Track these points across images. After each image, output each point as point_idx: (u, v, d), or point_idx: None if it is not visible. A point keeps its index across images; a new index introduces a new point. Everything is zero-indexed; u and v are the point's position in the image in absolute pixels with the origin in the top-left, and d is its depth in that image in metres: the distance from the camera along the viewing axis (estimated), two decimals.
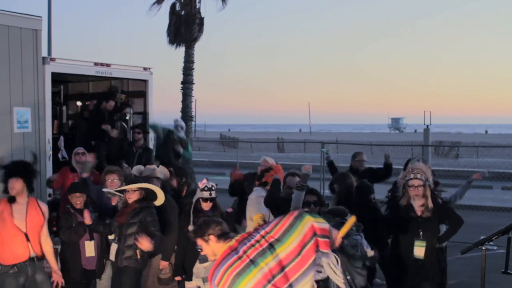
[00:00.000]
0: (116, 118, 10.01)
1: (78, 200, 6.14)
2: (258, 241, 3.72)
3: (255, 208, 6.16)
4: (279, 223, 3.77)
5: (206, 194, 5.84)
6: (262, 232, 3.76)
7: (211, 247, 3.87)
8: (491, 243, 4.45)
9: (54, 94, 9.56)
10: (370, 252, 4.44)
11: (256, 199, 6.23)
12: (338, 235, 3.89)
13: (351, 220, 4.10)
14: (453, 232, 5.96)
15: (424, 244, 5.57)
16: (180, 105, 19.47)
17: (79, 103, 11.08)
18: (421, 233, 5.58)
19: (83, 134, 9.76)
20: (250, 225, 6.12)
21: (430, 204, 5.64)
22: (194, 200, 5.94)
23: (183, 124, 10.06)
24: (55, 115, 9.94)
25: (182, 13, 19.17)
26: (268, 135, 68.29)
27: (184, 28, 18.88)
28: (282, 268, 3.63)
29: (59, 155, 9.01)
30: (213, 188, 5.92)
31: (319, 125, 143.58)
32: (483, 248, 4.25)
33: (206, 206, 5.88)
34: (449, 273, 8.15)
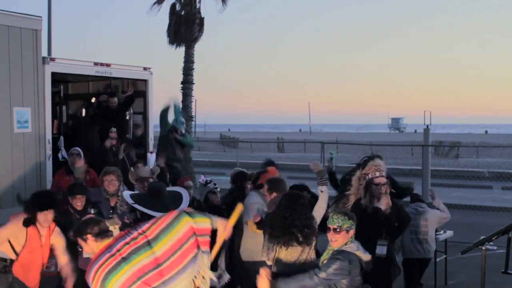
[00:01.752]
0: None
1: (79, 201, 6.12)
2: (134, 239, 3.80)
3: (249, 214, 6.01)
4: (156, 221, 3.87)
5: (211, 186, 6.03)
6: (140, 230, 3.85)
7: (90, 246, 4.04)
8: (491, 243, 4.43)
9: (54, 94, 9.57)
10: (366, 257, 4.41)
11: (250, 205, 6.07)
12: (228, 225, 4.00)
13: (239, 208, 4.18)
14: (403, 230, 5.92)
15: (386, 242, 5.44)
16: (180, 105, 19.48)
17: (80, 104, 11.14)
18: (384, 231, 5.46)
19: (82, 134, 9.78)
20: (245, 229, 6.02)
21: (390, 202, 5.60)
22: (202, 199, 5.99)
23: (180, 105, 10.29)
24: (55, 115, 9.95)
25: (182, 13, 19.17)
26: (268, 135, 68.28)
27: (184, 28, 18.87)
28: (157, 265, 3.70)
29: (59, 155, 9.01)
30: (212, 181, 6.10)
31: (319, 125, 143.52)
32: (483, 248, 4.24)
33: (216, 198, 6.02)
34: (449, 273, 8.17)
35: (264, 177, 6.34)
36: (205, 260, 3.84)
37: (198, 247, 3.82)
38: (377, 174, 5.62)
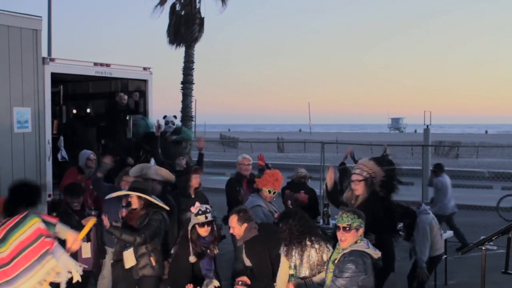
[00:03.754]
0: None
1: (76, 202, 6.13)
2: None
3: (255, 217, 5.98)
4: (5, 222, 3.92)
5: (201, 219, 5.39)
6: None
7: None
8: (491, 243, 4.43)
9: (54, 94, 9.57)
10: (376, 254, 4.40)
11: (253, 209, 6.01)
12: (78, 237, 4.09)
13: (91, 222, 4.44)
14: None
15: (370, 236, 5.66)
16: (180, 105, 19.48)
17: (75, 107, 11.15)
18: None
19: (81, 134, 9.80)
20: None
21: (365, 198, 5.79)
22: (189, 227, 5.47)
23: (172, 119, 9.82)
24: (55, 115, 9.94)
25: (182, 13, 19.17)
26: (268, 135, 68.25)
27: (184, 28, 18.87)
28: (2, 265, 3.76)
29: (59, 155, 9.02)
30: (208, 210, 5.47)
31: (319, 125, 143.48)
32: (483, 248, 4.24)
33: (203, 231, 5.41)
34: (449, 273, 8.18)
35: (260, 181, 6.30)
36: (51, 261, 3.84)
37: (47, 247, 3.86)
38: (356, 171, 5.89)
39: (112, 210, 6.31)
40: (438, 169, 10.53)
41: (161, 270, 5.73)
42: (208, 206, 5.54)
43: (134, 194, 5.70)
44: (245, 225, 5.22)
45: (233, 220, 5.28)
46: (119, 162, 7.85)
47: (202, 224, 5.39)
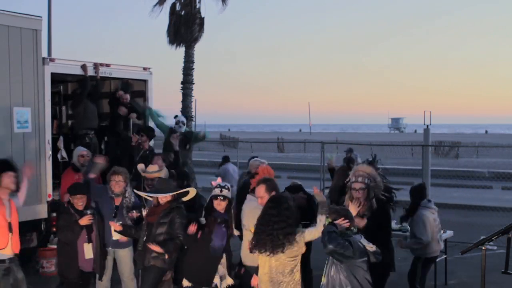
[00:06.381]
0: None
1: (80, 201, 6.12)
2: None
3: (250, 220, 5.78)
4: None
5: (216, 191, 5.77)
6: None
7: None
8: (491, 243, 4.43)
9: (54, 94, 9.56)
10: (371, 247, 4.43)
11: (250, 211, 5.89)
12: None
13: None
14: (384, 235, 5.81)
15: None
16: (180, 105, 19.48)
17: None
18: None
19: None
20: (246, 235, 5.83)
21: (374, 205, 5.62)
22: (208, 198, 5.93)
23: (183, 119, 9.98)
24: (55, 115, 9.93)
25: (182, 13, 19.16)
26: (268, 135, 68.23)
27: (184, 28, 18.86)
28: None
29: (59, 156, 9.01)
30: (226, 186, 5.83)
31: (319, 125, 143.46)
32: (483, 248, 4.24)
33: (217, 204, 5.76)
34: (449, 273, 8.17)
35: (254, 181, 6.24)
36: None
37: None
38: (353, 179, 5.69)
39: (104, 210, 6.41)
40: (224, 160, 12.66)
41: (170, 265, 5.94)
42: (228, 184, 5.94)
43: (160, 196, 5.91)
44: (273, 193, 5.30)
45: (261, 189, 5.31)
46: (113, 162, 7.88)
47: (215, 197, 5.77)
